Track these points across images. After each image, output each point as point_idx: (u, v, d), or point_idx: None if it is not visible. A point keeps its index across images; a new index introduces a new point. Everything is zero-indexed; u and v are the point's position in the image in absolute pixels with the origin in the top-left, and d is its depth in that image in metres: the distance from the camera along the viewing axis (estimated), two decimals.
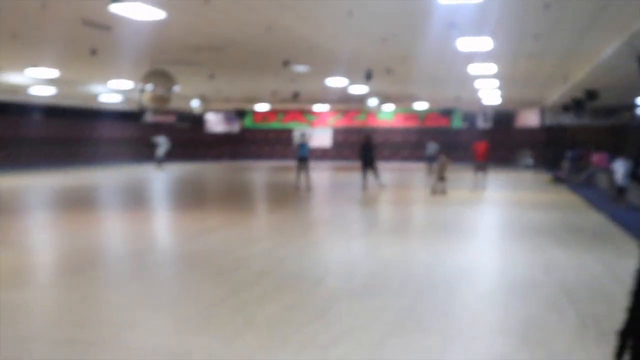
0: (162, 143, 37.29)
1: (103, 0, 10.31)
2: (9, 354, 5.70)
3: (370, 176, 24.06)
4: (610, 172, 21.24)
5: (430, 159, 32.84)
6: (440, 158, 22.94)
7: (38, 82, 26.13)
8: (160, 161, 36.56)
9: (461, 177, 28.52)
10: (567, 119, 36.24)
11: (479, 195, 21.77)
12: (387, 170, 34.10)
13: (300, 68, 19.96)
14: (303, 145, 24.15)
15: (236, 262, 9.93)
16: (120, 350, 5.84)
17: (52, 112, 36.28)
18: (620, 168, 18.62)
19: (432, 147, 33.33)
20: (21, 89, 28.12)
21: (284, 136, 45.67)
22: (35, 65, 20.93)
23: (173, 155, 43.54)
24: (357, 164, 25.06)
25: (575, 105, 27.37)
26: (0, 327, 6.49)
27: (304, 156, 23.92)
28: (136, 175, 31.14)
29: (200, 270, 9.39)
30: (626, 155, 20.88)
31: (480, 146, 24.89)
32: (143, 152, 42.42)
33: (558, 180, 27.42)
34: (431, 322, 6.74)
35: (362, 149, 24.30)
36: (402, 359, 5.56)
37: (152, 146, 37.39)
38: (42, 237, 12.84)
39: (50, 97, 31.75)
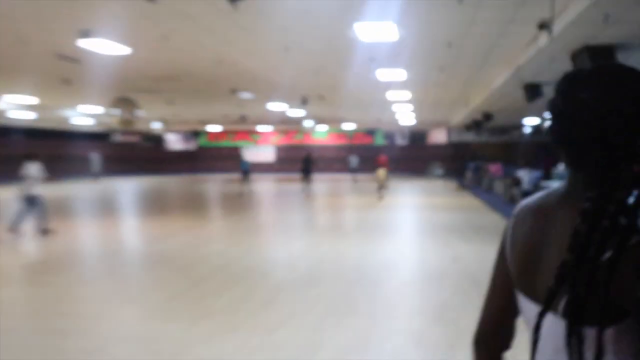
0: (94, 159, 37.26)
1: (74, 36, 10.16)
2: None
3: (304, 184, 26.41)
4: (509, 179, 21.82)
5: (353, 170, 35.23)
6: (378, 171, 23.80)
7: (17, 107, 25.49)
8: (96, 175, 36.45)
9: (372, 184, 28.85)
10: (469, 137, 36.90)
11: (395, 199, 22.03)
12: (322, 181, 34.28)
13: (246, 95, 19.89)
14: (243, 162, 28.38)
15: (195, 260, 9.87)
16: (95, 338, 5.76)
17: (32, 133, 35.45)
18: (525, 176, 19.26)
19: (354, 160, 35.75)
20: (1, 113, 27.43)
21: (234, 153, 45.32)
22: (13, 93, 20.45)
23: (139, 170, 43.10)
24: (298, 175, 26.24)
25: (475, 125, 27.84)
26: None
27: (245, 169, 27.90)
28: (106, 187, 30.56)
29: (164, 267, 9.31)
30: (519, 165, 21.50)
31: (382, 159, 26.22)
32: (112, 167, 41.82)
33: (463, 187, 27.94)
34: (361, 306, 6.81)
35: (303, 162, 26.71)
36: (338, 336, 5.61)
37: (88, 162, 37.32)
38: (25, 240, 12.54)
39: (30, 120, 31.05)
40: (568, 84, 1.35)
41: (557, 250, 1.36)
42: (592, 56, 9.49)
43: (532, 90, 13.69)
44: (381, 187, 23.39)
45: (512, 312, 1.58)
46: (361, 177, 32.59)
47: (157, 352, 5.28)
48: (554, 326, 1.32)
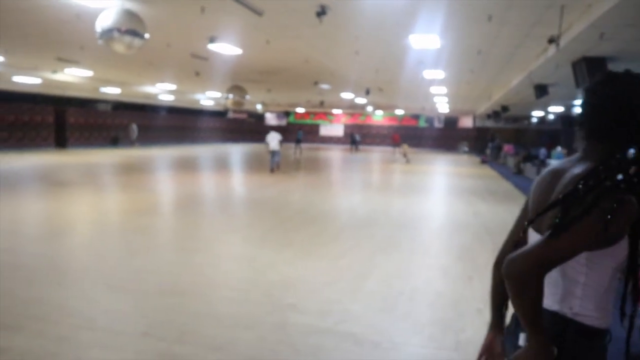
0: (134, 129, 30.76)
1: (204, 41, 10.30)
2: (147, 255, 5.81)
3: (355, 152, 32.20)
4: (520, 156, 21.25)
5: (356, 143, 36.39)
6: (403, 145, 25.92)
7: (163, 92, 26.17)
8: (134, 143, 30.64)
9: (413, 156, 28.41)
10: (489, 123, 35.81)
11: (430, 167, 21.68)
12: (377, 152, 34.00)
13: (325, 86, 19.78)
14: (299, 133, 31.42)
15: (281, 205, 10.00)
16: (212, 255, 5.94)
17: (172, 110, 36.36)
18: (542, 155, 19.43)
19: (357, 137, 36.87)
20: (153, 96, 28.19)
21: (314, 129, 45.27)
22: (162, 82, 20.99)
23: (245, 138, 43.77)
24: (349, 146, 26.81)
25: (494, 115, 27.09)
26: (139, 239, 6.62)
27: (298, 139, 30.60)
28: (221, 150, 31.19)
29: (259, 209, 9.47)
30: (525, 145, 20.95)
31: (396, 136, 30.20)
32: (227, 136, 42.65)
33: (483, 161, 27.20)
34: (403, 244, 6.77)
35: (350, 138, 35.20)
36: (385, 266, 5.61)
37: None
38: (163, 186, 12.97)
39: (170, 101, 31.84)
40: (596, 85, 1.46)
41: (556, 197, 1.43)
42: (588, 65, 9.12)
43: (540, 90, 13.20)
44: (405, 155, 25.32)
45: (524, 242, 1.60)
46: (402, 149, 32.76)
47: (254, 267, 5.41)
48: None
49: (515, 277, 1.28)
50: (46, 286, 4.60)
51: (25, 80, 20.48)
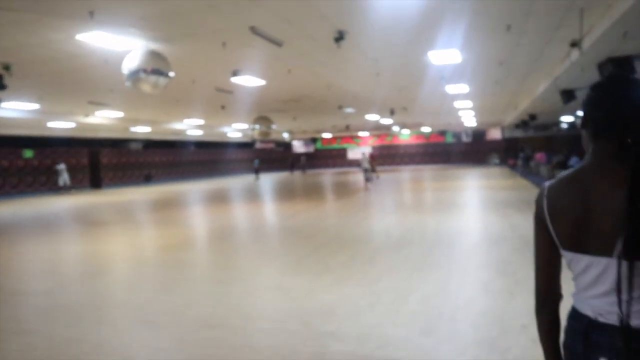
0: (62, 169, 24.51)
1: (227, 75, 10.48)
2: (183, 289, 5.82)
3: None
4: (552, 164, 20.85)
5: (365, 170, 33.96)
6: (370, 161, 23.74)
7: (191, 127, 26.65)
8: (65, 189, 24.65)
9: (441, 174, 27.95)
10: (518, 133, 35.34)
11: (462, 183, 21.36)
12: (406, 171, 33.71)
13: (349, 110, 19.87)
14: (255, 161, 34.10)
15: (315, 231, 9.93)
16: (249, 286, 5.90)
17: (200, 144, 37.01)
18: (574, 162, 18.88)
19: (365, 160, 32.97)
20: (182, 132, 28.74)
21: (341, 153, 45.40)
22: (189, 117, 21.41)
23: (274, 167, 44.12)
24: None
25: (522, 124, 26.73)
26: (175, 274, 6.64)
27: (256, 168, 33.28)
28: (249, 181, 31.47)
29: (294, 236, 9.42)
30: (557, 153, 20.51)
31: (372, 155, 28.95)
32: (255, 167, 43.13)
33: (511, 165, 26.61)
34: (440, 263, 6.63)
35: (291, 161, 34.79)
36: (423, 287, 5.48)
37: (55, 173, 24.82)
38: (195, 220, 13.07)
39: (199, 136, 32.40)
40: (602, 88, 1.43)
41: (600, 211, 1.29)
42: (614, 66, 8.89)
43: (567, 95, 12.94)
44: (373, 171, 24.02)
45: (559, 271, 1.47)
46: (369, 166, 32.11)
47: (291, 297, 5.35)
48: (610, 267, 1.27)
49: None
50: (86, 326, 4.63)
51: (60, 125, 21.13)
